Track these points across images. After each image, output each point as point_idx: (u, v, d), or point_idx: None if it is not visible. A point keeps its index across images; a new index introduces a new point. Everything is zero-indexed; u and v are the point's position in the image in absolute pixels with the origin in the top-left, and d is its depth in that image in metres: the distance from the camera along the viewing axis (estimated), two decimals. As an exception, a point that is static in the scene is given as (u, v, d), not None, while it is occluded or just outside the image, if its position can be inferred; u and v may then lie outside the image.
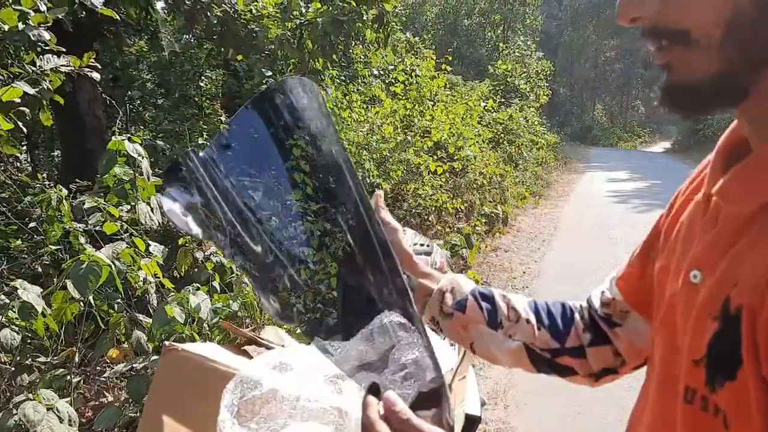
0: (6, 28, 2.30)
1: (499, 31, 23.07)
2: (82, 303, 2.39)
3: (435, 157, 7.80)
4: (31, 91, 2.27)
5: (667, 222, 0.75)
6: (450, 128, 8.55)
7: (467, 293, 0.87)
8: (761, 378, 0.51)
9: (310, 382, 1.11)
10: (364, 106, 7.74)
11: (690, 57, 0.56)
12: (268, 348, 1.59)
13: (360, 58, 8.98)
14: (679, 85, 0.58)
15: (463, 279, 0.89)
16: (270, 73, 6.66)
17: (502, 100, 14.08)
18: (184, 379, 1.41)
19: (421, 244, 1.27)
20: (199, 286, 2.73)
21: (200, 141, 4.29)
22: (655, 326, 0.70)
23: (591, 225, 9.55)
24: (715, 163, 0.65)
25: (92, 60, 2.50)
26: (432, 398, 0.65)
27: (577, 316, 0.89)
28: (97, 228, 2.59)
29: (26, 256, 3.21)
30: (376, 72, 9.14)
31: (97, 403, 2.82)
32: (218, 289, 2.92)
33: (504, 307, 0.87)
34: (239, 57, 6.03)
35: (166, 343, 1.52)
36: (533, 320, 0.86)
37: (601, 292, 0.88)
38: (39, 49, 2.49)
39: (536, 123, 15.70)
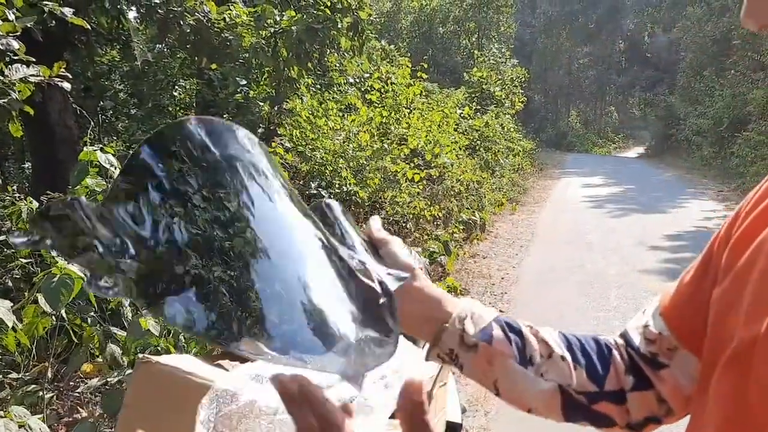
0: (-27, 37, 2.26)
1: (473, 39, 23.24)
2: (54, 317, 2.34)
3: (412, 165, 7.83)
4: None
5: (731, 242, 0.63)
6: (426, 136, 8.59)
7: (491, 321, 0.72)
8: None
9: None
10: (340, 114, 7.73)
11: None
12: (245, 360, 1.56)
13: (335, 66, 8.99)
14: None
15: (480, 305, 0.75)
16: (244, 82, 6.64)
17: (478, 107, 14.17)
18: (158, 392, 1.38)
19: (399, 251, 1.25)
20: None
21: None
22: (711, 360, 0.60)
23: (567, 230, 9.63)
24: None
25: (63, 70, 2.46)
26: None
27: (615, 354, 0.76)
28: (69, 240, 2.54)
29: (-4, 270, 3.14)
30: (351, 80, 9.16)
31: (70, 419, 2.76)
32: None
33: (533, 340, 0.73)
34: (213, 66, 5.99)
35: (140, 355, 1.49)
36: (569, 357, 0.73)
37: (643, 325, 0.75)
38: (7, 58, 2.44)
39: (512, 130, 15.84)
